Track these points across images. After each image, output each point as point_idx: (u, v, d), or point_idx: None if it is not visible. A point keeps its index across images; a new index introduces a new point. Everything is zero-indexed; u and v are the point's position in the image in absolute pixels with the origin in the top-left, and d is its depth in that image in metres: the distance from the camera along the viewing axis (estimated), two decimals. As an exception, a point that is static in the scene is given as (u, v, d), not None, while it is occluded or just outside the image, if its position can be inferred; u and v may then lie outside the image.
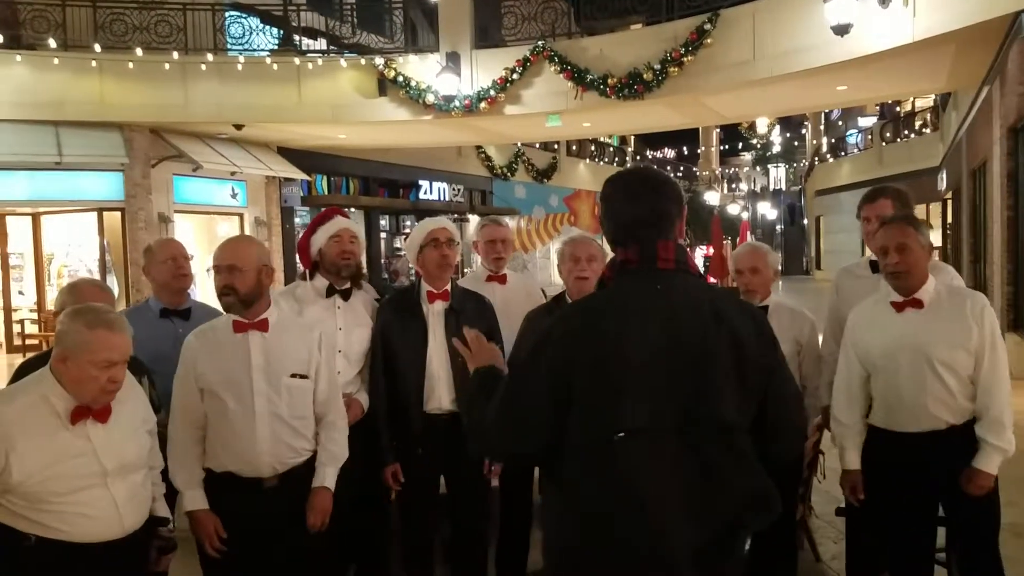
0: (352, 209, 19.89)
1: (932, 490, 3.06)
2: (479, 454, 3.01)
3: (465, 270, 17.77)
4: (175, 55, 13.11)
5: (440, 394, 3.52)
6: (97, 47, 12.74)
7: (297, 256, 3.60)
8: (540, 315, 3.70)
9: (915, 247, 2.99)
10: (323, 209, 4.03)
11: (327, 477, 3.01)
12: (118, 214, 13.87)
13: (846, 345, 3.24)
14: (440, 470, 3.61)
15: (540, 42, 13.28)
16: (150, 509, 2.62)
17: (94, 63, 12.72)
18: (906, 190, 3.76)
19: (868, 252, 3.78)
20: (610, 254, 2.12)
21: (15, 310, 14.70)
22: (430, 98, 13.37)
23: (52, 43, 12.60)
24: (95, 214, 14.07)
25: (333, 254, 3.57)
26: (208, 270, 3.00)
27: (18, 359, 13.17)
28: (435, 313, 3.56)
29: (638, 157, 38.05)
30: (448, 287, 3.61)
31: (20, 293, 14.95)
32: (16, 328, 14.56)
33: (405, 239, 21.67)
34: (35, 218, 14.40)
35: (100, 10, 13.05)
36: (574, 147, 29.90)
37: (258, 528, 2.87)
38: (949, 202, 19.56)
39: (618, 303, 1.89)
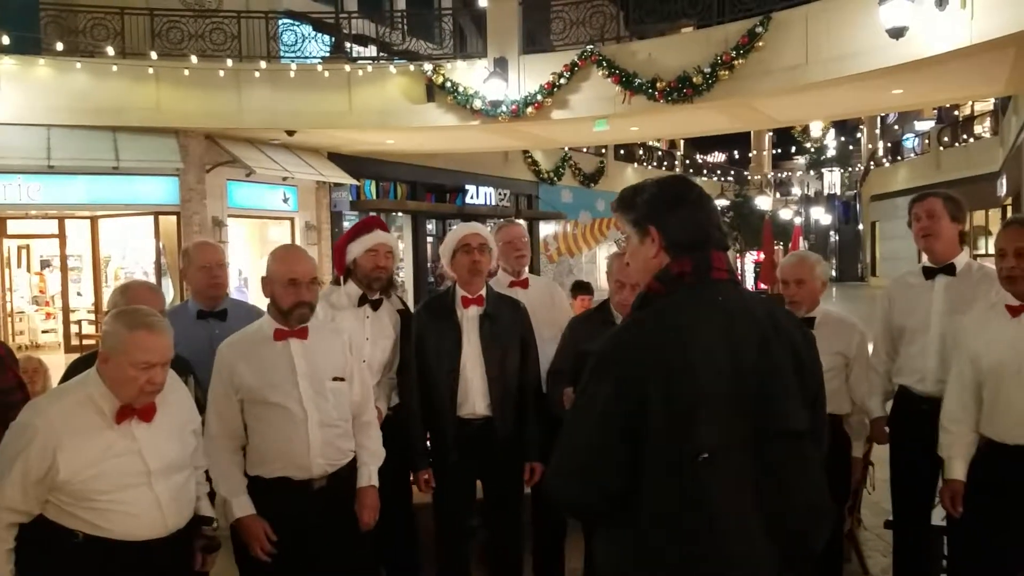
0: (399, 213, 20.07)
1: None
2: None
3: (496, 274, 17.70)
4: (229, 62, 13.36)
5: (474, 399, 3.52)
6: (154, 55, 13.03)
7: (331, 258, 3.62)
8: (582, 323, 3.68)
9: None
10: (368, 215, 4.06)
11: (372, 475, 3.08)
12: (173, 218, 14.16)
13: (960, 353, 3.15)
14: (475, 475, 3.61)
15: (589, 47, 13.24)
16: (194, 508, 2.65)
17: (151, 70, 13.01)
18: (957, 195, 3.68)
19: (924, 259, 3.71)
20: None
21: (73, 311, 15.10)
22: (477, 103, 13.42)
23: (110, 51, 12.92)
24: (151, 218, 14.39)
25: (367, 267, 3.60)
26: (250, 275, 3.03)
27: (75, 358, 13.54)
28: (469, 318, 3.56)
29: (687, 161, 37.70)
30: (483, 292, 3.61)
31: (78, 294, 15.36)
32: (74, 328, 14.96)
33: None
34: (93, 221, 14.77)
35: (157, 18, 13.36)
36: (622, 151, 29.75)
37: (306, 528, 2.91)
38: (1009, 208, 19.01)
39: (679, 318, 1.83)
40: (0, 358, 2.92)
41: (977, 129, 25.56)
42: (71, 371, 2.92)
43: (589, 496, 1.85)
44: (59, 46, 12.65)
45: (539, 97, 13.28)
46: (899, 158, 32.43)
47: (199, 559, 2.68)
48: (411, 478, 3.64)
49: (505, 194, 23.48)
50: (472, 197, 22.16)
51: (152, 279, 14.06)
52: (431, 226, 21.37)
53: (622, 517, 1.81)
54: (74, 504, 2.35)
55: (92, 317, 15.07)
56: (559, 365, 3.60)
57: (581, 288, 7.26)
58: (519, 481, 3.62)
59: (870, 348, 3.86)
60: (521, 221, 3.73)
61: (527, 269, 4.30)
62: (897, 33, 9.91)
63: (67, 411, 2.38)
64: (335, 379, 2.98)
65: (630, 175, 30.51)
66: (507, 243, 4.15)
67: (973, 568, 3.10)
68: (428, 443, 3.61)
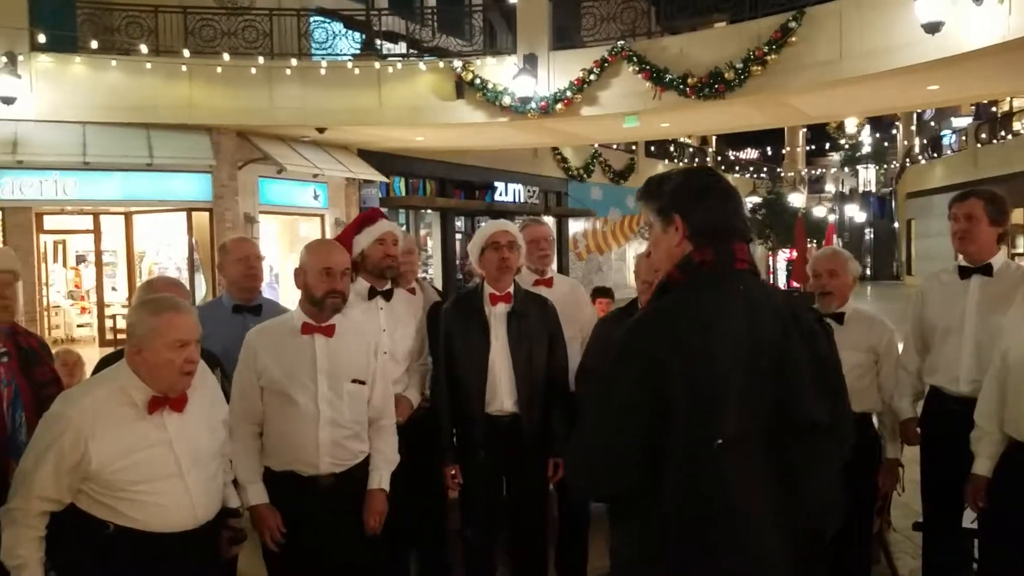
0: (428, 210, 20.12)
1: None
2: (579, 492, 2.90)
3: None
4: (261, 60, 13.47)
5: (502, 396, 3.53)
6: (186, 52, 13.17)
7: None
8: (612, 322, 3.66)
9: None
10: (368, 208, 4.08)
11: (383, 479, 3.08)
12: (206, 214, 14.32)
13: (996, 349, 3.13)
14: (502, 472, 3.61)
15: (619, 42, 13.16)
16: (222, 499, 2.67)
17: (184, 68, 13.15)
18: (1003, 194, 3.60)
19: (961, 258, 3.65)
20: None
21: (108, 305, 15.33)
22: (506, 100, 13.40)
23: (144, 48, 13.09)
24: (184, 214, 14.56)
25: (377, 257, 3.58)
26: (282, 270, 3.06)
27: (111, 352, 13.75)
28: (497, 315, 3.57)
29: (719, 157, 37.38)
30: (511, 289, 3.60)
31: (113, 289, 15.59)
32: (108, 323, 15.19)
33: (481, 240, 21.95)
34: (127, 217, 14.97)
35: (190, 16, 13.49)
36: (652, 148, 29.57)
37: (315, 524, 2.93)
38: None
39: (699, 305, 1.83)
40: (36, 352, 2.97)
41: (1016, 126, 25.05)
42: (102, 366, 2.95)
43: (607, 484, 1.87)
44: (94, 44, 12.85)
45: (568, 93, 13.24)
46: (936, 155, 31.90)
47: (226, 550, 2.70)
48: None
49: (534, 191, 23.45)
50: (501, 194, 22.16)
51: (185, 274, 14.25)
52: (460, 223, 21.41)
53: (639, 507, 1.81)
54: (106, 494, 2.38)
55: (126, 311, 15.24)
56: (587, 363, 3.59)
57: (601, 292, 7.45)
58: (544, 478, 3.62)
59: (900, 347, 3.81)
60: (548, 219, 3.70)
61: (553, 267, 4.27)
62: (933, 28, 9.76)
63: (99, 402, 2.41)
64: (354, 381, 3.00)
65: (661, 171, 30.27)
66: (531, 242, 4.14)
67: (1002, 571, 3.04)
68: (455, 439, 3.62)
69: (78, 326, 15.73)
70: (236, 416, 2.95)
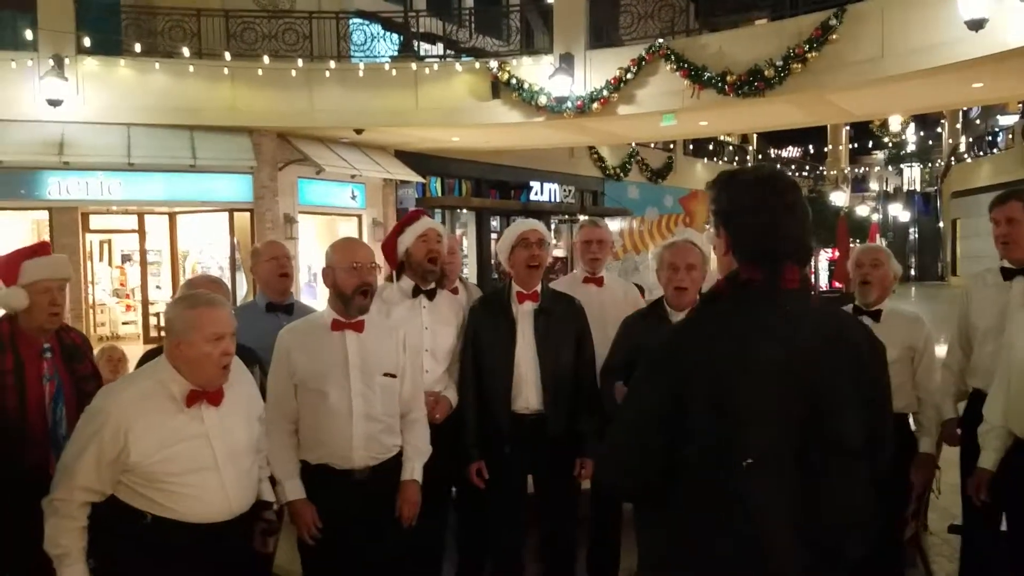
0: (464, 210, 20.20)
1: None
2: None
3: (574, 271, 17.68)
4: (300, 62, 13.65)
5: (528, 394, 3.55)
6: (228, 55, 13.39)
7: (383, 258, 3.68)
8: (637, 321, 3.66)
9: None
10: (461, 211, 4.15)
11: (416, 471, 3.13)
12: (247, 215, 14.55)
13: (1007, 347, 3.16)
14: (528, 470, 3.64)
15: (658, 40, 13.10)
16: (257, 492, 2.74)
17: (226, 70, 13.38)
18: None
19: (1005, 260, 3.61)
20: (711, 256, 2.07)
21: (152, 303, 15.64)
22: (542, 100, 13.41)
23: (187, 52, 13.33)
24: (226, 214, 14.82)
25: (420, 254, 3.62)
26: (320, 270, 3.12)
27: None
28: (524, 313, 3.60)
29: (760, 156, 36.98)
30: (538, 288, 3.63)
31: (157, 287, 15.90)
32: (152, 320, 15.49)
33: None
34: (171, 217, 15.26)
35: (232, 19, 13.72)
36: (691, 146, 29.34)
37: (350, 517, 2.98)
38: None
39: (739, 323, 1.80)
40: (78, 347, 3.07)
41: (1066, 123, 24.43)
42: (142, 363, 3.03)
43: (628, 484, 1.90)
44: (138, 47, 13.11)
45: (605, 92, 13.20)
46: (982, 153, 31.24)
47: (259, 541, 2.76)
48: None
49: (570, 191, 23.42)
50: (536, 194, 22.17)
51: (227, 273, 14.49)
52: (495, 223, 21.46)
53: (663, 516, 1.83)
54: (145, 485, 2.45)
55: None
56: (611, 362, 3.60)
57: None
58: (571, 476, 3.63)
59: (938, 348, 3.77)
60: (604, 221, 3.77)
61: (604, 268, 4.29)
62: (976, 25, 9.57)
63: (139, 395, 2.49)
64: (386, 375, 3.05)
65: (699, 171, 30.08)
66: (584, 242, 4.20)
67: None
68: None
69: (123, 323, 16.05)
70: (272, 414, 3.00)
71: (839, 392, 1.79)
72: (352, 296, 3.00)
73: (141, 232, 15.37)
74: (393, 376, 3.06)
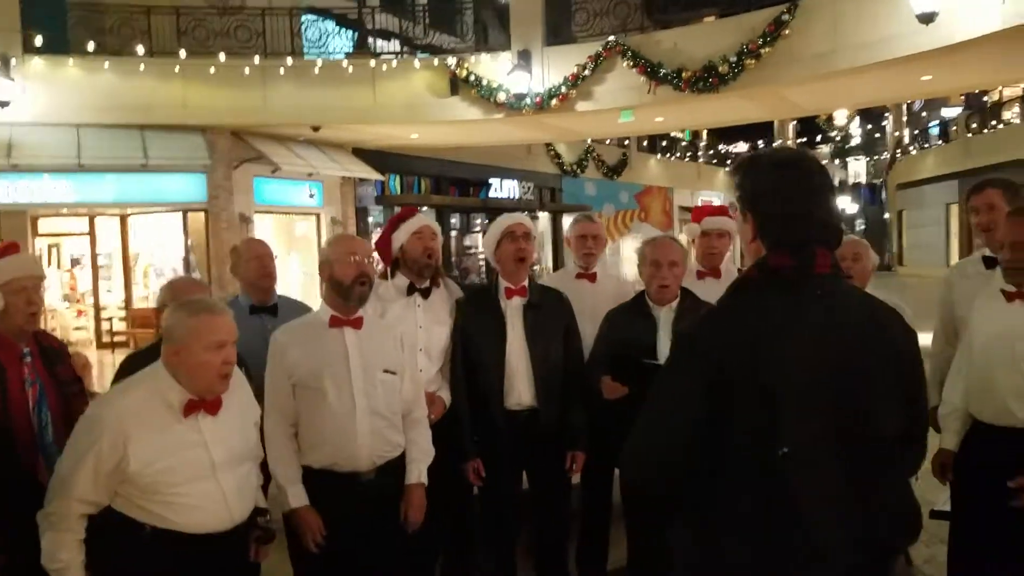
0: (423, 208, 20.09)
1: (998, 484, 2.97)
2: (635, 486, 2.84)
3: (535, 267, 17.72)
4: (257, 59, 13.42)
5: (520, 390, 3.54)
6: (183, 53, 13.12)
7: (376, 255, 3.64)
8: (620, 315, 3.69)
9: None
10: (400, 208, 4.10)
11: (421, 473, 3.07)
12: (201, 214, 14.28)
13: (969, 330, 3.22)
14: (521, 466, 3.63)
15: (611, 37, 13.17)
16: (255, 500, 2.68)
17: (177, 68, 13.10)
18: (1015, 182, 3.63)
19: (976, 248, 3.69)
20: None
21: (103, 308, 15.27)
22: (501, 96, 13.40)
23: (141, 49, 13.02)
24: (179, 214, 14.53)
25: (417, 251, 3.59)
26: (320, 264, 3.06)
27: (107, 355, 13.72)
28: (513, 308, 3.58)
29: (711, 151, 37.45)
30: (526, 283, 3.62)
31: (108, 291, 15.53)
32: (105, 325, 15.13)
33: (479, 236, 21.78)
34: (123, 219, 14.91)
35: (183, 16, 13.44)
36: (644, 143, 29.60)
37: (354, 520, 2.92)
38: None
39: (773, 310, 1.74)
40: (57, 351, 2.97)
41: (1006, 115, 25.19)
42: (125, 367, 2.97)
43: (664, 481, 1.82)
44: (91, 46, 12.77)
45: (563, 89, 13.26)
46: (926, 145, 32.03)
47: (253, 550, 2.70)
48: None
49: (529, 187, 23.45)
50: (496, 190, 22.16)
51: (182, 275, 14.21)
52: (455, 220, 21.41)
53: (698, 513, 1.77)
54: (143, 497, 2.38)
55: (123, 314, 15.22)
56: (596, 355, 3.61)
57: None
58: (564, 471, 3.63)
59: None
60: (543, 215, 3.73)
61: (594, 263, 4.26)
62: (927, 18, 9.81)
63: (137, 404, 2.42)
64: (386, 371, 3.00)
65: (653, 166, 30.38)
66: (579, 237, 4.16)
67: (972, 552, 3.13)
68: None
69: (75, 329, 15.63)
70: (271, 418, 2.94)
71: (878, 381, 1.74)
72: (351, 286, 2.93)
73: (92, 235, 15.02)
74: (393, 373, 3.02)
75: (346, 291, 2.95)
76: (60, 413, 2.72)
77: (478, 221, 21.90)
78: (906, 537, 1.81)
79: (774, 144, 45.09)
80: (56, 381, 2.85)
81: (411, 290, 3.63)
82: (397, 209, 19.54)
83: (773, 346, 1.69)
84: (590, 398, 3.57)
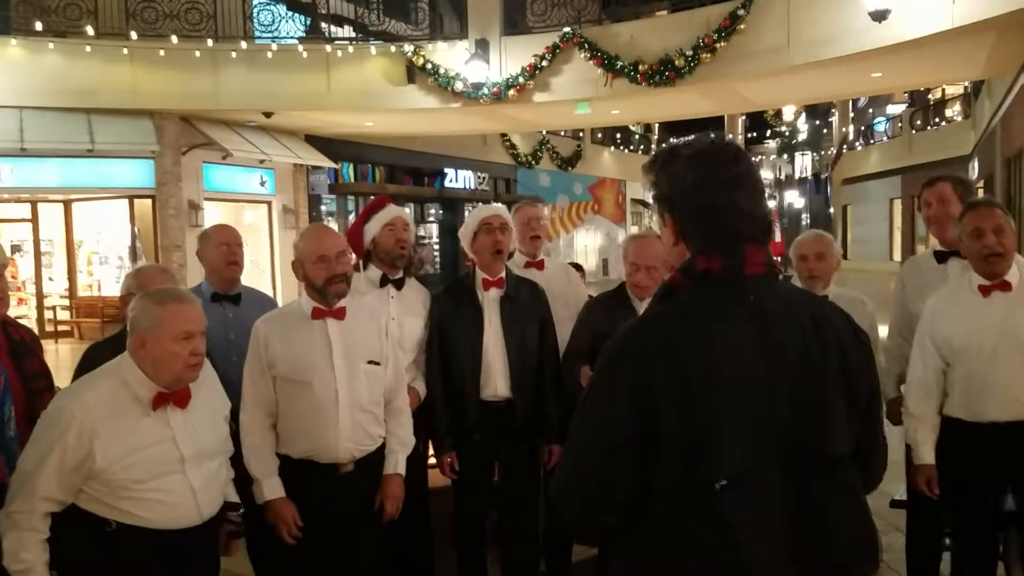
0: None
1: (1003, 483, 3.01)
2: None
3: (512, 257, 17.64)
4: (210, 42, 13.11)
5: (496, 381, 3.52)
6: (134, 35, 12.76)
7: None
8: (600, 304, 3.68)
9: (1008, 229, 2.94)
10: (372, 197, 4.03)
11: (400, 463, 3.04)
12: (148, 201, 13.96)
13: (922, 337, 3.15)
14: (495, 457, 3.62)
15: (567, 28, 13.18)
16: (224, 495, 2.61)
17: (126, 51, 12.75)
18: (967, 178, 3.70)
19: (919, 241, 3.74)
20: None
21: (46, 296, 14.85)
22: (458, 86, 13.32)
23: (90, 30, 12.63)
24: (126, 201, 14.17)
25: (389, 243, 3.55)
26: (293, 262, 2.99)
27: (51, 344, 13.34)
28: (490, 300, 3.56)
29: (663, 145, 37.70)
30: (503, 274, 3.60)
31: (51, 279, 15.10)
32: (48, 314, 14.71)
33: (433, 227, 21.60)
34: (66, 205, 14.52)
35: (131, -2, 13.09)
36: (599, 135, 29.75)
37: (331, 513, 2.88)
38: (980, 191, 19.29)
39: (701, 319, 1.55)
40: (26, 344, 2.85)
41: (948, 113, 25.85)
42: (89, 358, 2.87)
43: (590, 520, 1.61)
44: (37, 26, 12.36)
45: (521, 79, 13.22)
46: (871, 141, 32.72)
47: (224, 544, 2.64)
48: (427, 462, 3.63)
49: (483, 177, 23.40)
50: (451, 180, 22.07)
51: (127, 263, 13.87)
52: (409, 209, 21.25)
53: (633, 544, 1.57)
54: (107, 493, 2.30)
55: (66, 303, 14.82)
56: (575, 346, 3.60)
57: (577, 268, 7.41)
58: (538, 463, 3.63)
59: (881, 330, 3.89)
60: (497, 206, 3.67)
61: (541, 252, 4.26)
62: (880, 16, 9.99)
63: (103, 397, 2.33)
64: (370, 362, 2.96)
65: (607, 158, 30.54)
66: (524, 224, 4.10)
67: (962, 542, 3.17)
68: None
69: (16, 318, 15.16)
70: (249, 409, 2.87)
71: (823, 391, 1.55)
72: (324, 287, 2.89)
73: (34, 221, 14.61)
74: (377, 364, 2.98)
75: (320, 291, 2.91)
76: (24, 408, 2.61)
77: (432, 211, 21.79)
78: (863, 564, 1.59)
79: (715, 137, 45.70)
80: (22, 375, 2.74)
81: (384, 282, 3.58)
82: (351, 198, 19.41)
83: (703, 359, 1.50)
84: (565, 390, 3.56)
